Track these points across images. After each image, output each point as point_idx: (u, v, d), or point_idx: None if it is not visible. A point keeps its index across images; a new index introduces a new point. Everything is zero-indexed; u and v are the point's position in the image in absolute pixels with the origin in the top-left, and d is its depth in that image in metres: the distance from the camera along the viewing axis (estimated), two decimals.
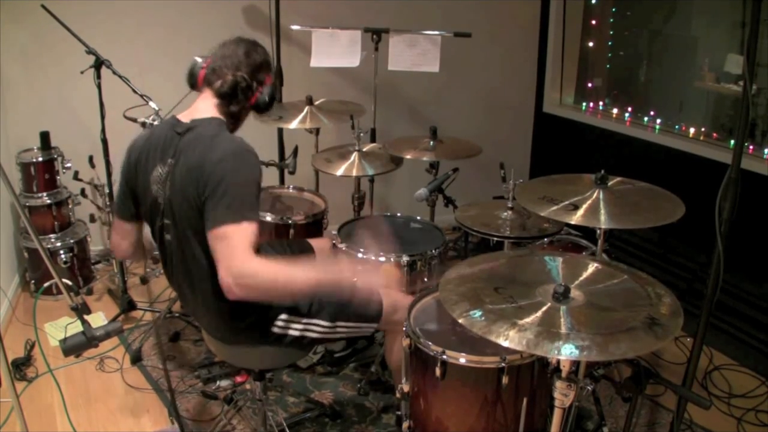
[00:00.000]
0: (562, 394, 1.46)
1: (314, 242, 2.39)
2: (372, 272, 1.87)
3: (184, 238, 1.72)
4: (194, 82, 1.81)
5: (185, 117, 1.77)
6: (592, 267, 1.62)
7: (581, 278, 1.57)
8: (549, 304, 1.43)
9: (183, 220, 1.69)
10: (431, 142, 2.85)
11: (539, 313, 1.40)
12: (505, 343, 1.31)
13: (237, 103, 1.77)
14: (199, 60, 1.80)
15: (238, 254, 1.54)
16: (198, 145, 1.68)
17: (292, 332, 1.87)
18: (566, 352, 1.27)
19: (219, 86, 1.74)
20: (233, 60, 1.75)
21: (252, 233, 1.57)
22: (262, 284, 1.57)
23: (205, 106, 1.77)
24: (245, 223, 1.57)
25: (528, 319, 1.37)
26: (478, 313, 1.40)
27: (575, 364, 1.48)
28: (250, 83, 1.75)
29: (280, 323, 1.84)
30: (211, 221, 1.58)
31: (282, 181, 3.54)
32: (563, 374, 1.44)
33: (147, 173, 1.75)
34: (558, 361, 1.45)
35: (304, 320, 1.87)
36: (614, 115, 3.93)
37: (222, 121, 1.77)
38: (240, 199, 1.59)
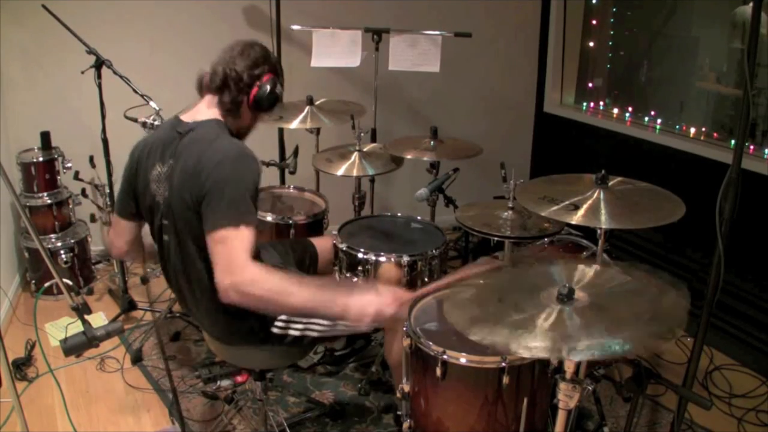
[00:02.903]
0: (567, 396, 1.45)
1: (317, 241, 2.39)
2: (366, 291, 1.69)
3: (182, 239, 1.72)
4: (201, 90, 1.83)
5: (188, 117, 1.78)
6: (596, 268, 1.61)
7: (585, 280, 1.56)
8: (553, 306, 1.43)
9: (181, 222, 1.70)
10: (432, 142, 2.84)
11: (543, 315, 1.39)
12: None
13: (229, 93, 1.75)
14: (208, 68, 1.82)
15: (236, 259, 1.54)
16: (197, 147, 1.68)
17: (292, 332, 1.87)
18: (569, 354, 1.26)
19: (210, 80, 1.77)
20: (228, 57, 1.77)
21: (250, 238, 1.56)
22: (258, 293, 1.54)
23: (206, 107, 1.79)
24: (243, 228, 1.56)
25: (531, 321, 1.36)
26: None
27: (578, 364, 1.47)
28: (241, 75, 1.75)
29: (280, 324, 1.85)
30: (210, 224, 1.58)
31: (282, 181, 3.54)
32: (567, 376, 1.43)
33: (147, 172, 1.76)
34: (559, 362, 1.44)
35: (305, 320, 1.87)
36: (615, 115, 3.92)
37: (221, 121, 1.77)
38: (238, 203, 1.58)
